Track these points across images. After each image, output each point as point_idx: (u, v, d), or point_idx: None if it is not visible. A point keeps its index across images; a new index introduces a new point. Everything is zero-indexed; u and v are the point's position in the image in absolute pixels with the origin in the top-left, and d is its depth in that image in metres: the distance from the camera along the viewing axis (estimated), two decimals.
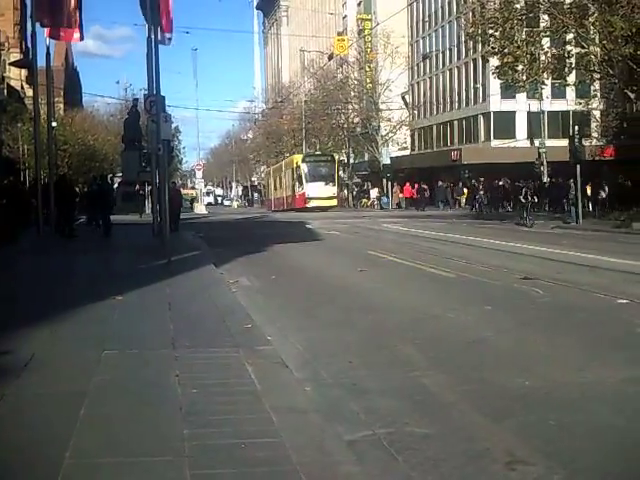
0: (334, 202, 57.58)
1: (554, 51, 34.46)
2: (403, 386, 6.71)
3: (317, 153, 67.46)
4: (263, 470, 4.45)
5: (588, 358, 7.71)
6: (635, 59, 30.26)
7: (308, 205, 55.09)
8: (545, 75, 34.71)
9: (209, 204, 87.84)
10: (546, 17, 33.91)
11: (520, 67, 33.19)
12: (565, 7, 32.60)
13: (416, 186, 57.12)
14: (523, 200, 32.57)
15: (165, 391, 6.10)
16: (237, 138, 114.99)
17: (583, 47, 32.83)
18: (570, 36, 33.34)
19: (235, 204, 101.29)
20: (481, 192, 46.39)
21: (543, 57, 33.97)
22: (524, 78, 33.88)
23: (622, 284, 12.85)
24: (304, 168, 57.55)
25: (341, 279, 15.00)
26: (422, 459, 4.96)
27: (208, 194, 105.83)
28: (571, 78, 37.21)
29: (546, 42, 34.89)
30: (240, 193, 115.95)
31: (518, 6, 33.58)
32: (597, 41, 31.98)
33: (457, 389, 6.59)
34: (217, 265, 15.96)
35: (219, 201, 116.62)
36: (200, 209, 64.01)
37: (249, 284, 13.89)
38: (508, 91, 50.33)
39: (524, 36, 33.38)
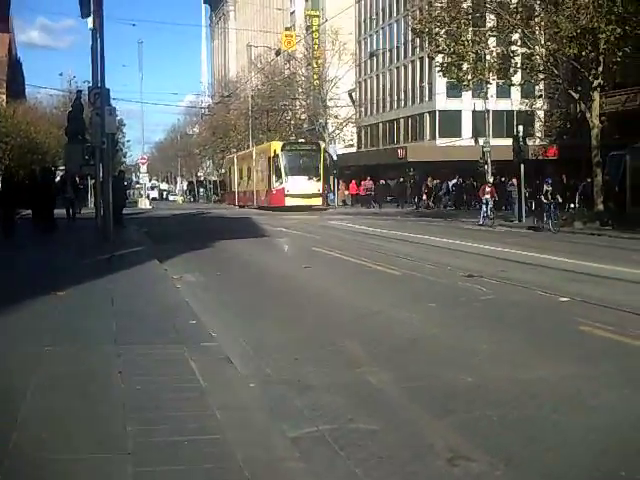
0: (319, 201, 48.42)
1: (499, 51, 34.84)
2: (348, 383, 6.73)
3: (300, 141, 57.21)
4: (207, 467, 4.42)
5: (530, 355, 7.82)
6: (579, 60, 30.75)
7: (287, 204, 46.07)
8: (490, 74, 35.05)
9: (154, 199, 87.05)
10: (492, 17, 34.26)
11: (465, 66, 33.47)
12: (511, 7, 32.97)
13: (364, 183, 57.06)
14: (545, 200, 28.26)
15: (108, 388, 6.02)
16: (183, 132, 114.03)
17: (528, 47, 33.24)
18: (516, 36, 33.71)
19: (180, 199, 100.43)
20: (487, 194, 32.04)
21: (488, 57, 34.31)
22: (469, 77, 34.17)
23: (564, 282, 13.08)
24: (283, 158, 47.61)
25: (287, 276, 14.99)
26: (366, 455, 4.98)
27: (153, 189, 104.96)
28: (516, 78, 37.68)
29: (492, 42, 35.26)
30: (185, 188, 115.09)
31: (465, 5, 33.89)
32: (542, 42, 32.42)
33: (402, 386, 6.63)
34: (161, 261, 15.81)
35: (164, 196, 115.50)
36: (144, 204, 63.41)
37: (194, 280, 13.80)
38: (454, 90, 50.81)
39: (470, 35, 33.69)
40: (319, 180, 48.15)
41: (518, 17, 32.08)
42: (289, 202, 46.10)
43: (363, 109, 77.83)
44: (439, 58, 35.04)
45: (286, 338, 8.65)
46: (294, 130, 72.56)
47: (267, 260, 18.29)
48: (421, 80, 66.88)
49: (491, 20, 34.65)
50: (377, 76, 76.56)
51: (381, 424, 5.59)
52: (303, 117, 73.22)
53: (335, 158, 62.02)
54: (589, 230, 27.43)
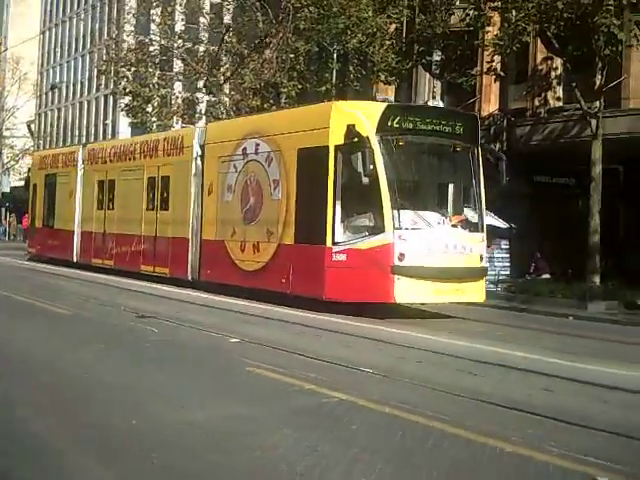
0: (479, 288, 16.38)
1: (185, 96, 35.33)
2: (4, 433, 6.20)
3: (429, 105, 18.89)
4: None
5: (198, 396, 7.77)
6: (261, 111, 32.03)
7: (401, 297, 15.24)
8: (175, 119, 35.38)
9: None
10: (180, 62, 34.73)
11: (150, 109, 33.51)
12: (198, 55, 33.69)
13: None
14: None
15: None
16: None
17: (213, 95, 34.05)
18: (201, 83, 34.43)
19: None
20: None
21: (174, 101, 34.65)
22: (154, 120, 34.21)
23: (235, 324, 13.41)
24: (386, 157, 15.15)
25: None
26: None
27: None
28: (201, 124, 38.36)
29: (178, 86, 35.69)
30: None
31: (152, 48, 34.03)
32: (227, 91, 33.38)
33: (66, 433, 6.28)
34: None
35: None
36: None
37: None
38: (137, 130, 50.62)
39: (156, 79, 33.83)
40: (480, 227, 16.54)
41: (204, 65, 32.81)
42: (406, 293, 15.26)
43: (42, 142, 74.96)
44: (125, 100, 34.76)
45: None
46: None
47: None
48: (105, 117, 65.97)
49: (178, 66, 35.12)
50: (59, 109, 74.42)
51: (43, 477, 5.20)
52: None
53: (7, 190, 58.37)
54: None
